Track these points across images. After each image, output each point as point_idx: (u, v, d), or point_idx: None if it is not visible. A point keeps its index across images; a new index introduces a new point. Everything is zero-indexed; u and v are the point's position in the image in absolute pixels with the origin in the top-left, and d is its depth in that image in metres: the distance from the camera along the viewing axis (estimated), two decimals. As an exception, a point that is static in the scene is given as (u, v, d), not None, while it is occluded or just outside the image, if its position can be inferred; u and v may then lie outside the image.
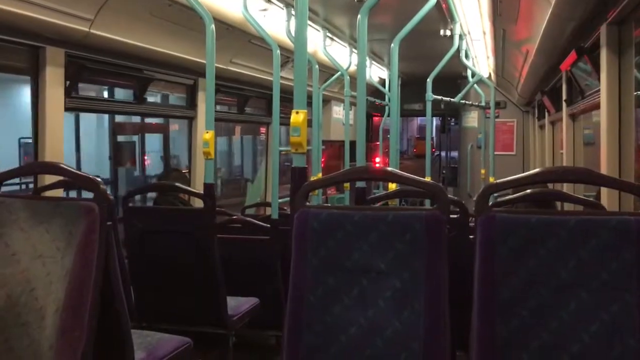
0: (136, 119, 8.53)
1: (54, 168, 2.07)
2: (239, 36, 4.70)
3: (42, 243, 1.82)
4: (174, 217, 3.35)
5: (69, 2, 3.18)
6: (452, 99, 7.40)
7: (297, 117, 2.22)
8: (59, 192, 3.09)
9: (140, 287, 3.14)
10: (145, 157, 9.38)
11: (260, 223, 3.88)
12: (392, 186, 3.62)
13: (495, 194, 1.84)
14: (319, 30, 5.75)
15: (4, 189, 2.04)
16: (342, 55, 6.47)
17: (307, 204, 1.84)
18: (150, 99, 4.78)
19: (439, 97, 6.60)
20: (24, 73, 3.50)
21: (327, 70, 6.51)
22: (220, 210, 4.61)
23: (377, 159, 10.29)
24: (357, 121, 2.95)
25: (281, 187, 4.41)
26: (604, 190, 3.23)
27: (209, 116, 3.55)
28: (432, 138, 13.53)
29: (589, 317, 1.53)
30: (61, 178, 2.64)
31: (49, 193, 2.88)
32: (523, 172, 1.75)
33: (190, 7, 3.51)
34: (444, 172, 12.15)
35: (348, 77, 6.11)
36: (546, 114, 6.78)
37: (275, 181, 4.33)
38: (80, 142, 8.58)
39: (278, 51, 4.11)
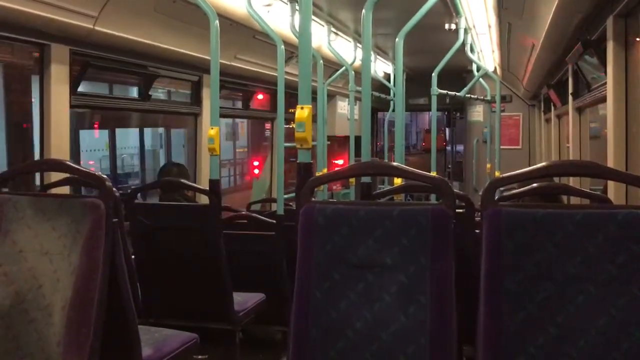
0: None
1: (60, 165, 2.08)
2: (243, 32, 4.69)
3: (48, 240, 1.83)
4: (180, 214, 3.35)
5: (73, -1, 3.19)
6: (457, 93, 7.38)
7: (302, 112, 2.21)
8: (65, 189, 3.10)
9: (147, 284, 3.15)
10: None
11: (265, 219, 3.88)
12: (398, 181, 3.61)
13: (501, 188, 1.83)
14: (323, 26, 5.74)
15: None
16: (347, 50, 6.46)
17: (313, 199, 1.84)
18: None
19: (444, 92, 6.57)
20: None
21: (332, 66, 6.49)
22: (226, 206, 4.62)
23: (340, 161, 8.32)
24: (362, 116, 2.94)
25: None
26: (610, 184, 3.22)
27: (214, 112, 3.55)
28: (442, 131, 13.37)
29: (596, 311, 1.53)
30: (67, 175, 2.64)
31: (55, 190, 2.89)
32: (529, 166, 1.74)
33: (194, 3, 3.51)
34: (449, 166, 12.13)
35: (353, 72, 6.09)
36: (552, 107, 6.76)
37: (280, 177, 4.33)
38: None
39: (282, 46, 4.10)
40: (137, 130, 9.62)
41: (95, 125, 8.84)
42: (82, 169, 1.95)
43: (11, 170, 2.06)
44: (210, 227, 3.14)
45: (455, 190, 1.97)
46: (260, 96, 6.52)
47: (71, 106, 3.58)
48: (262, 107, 6.71)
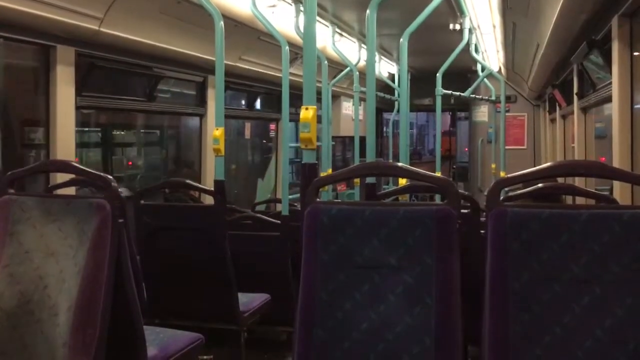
0: None
1: (66, 166, 2.09)
2: (248, 33, 4.70)
3: (54, 241, 1.84)
4: (186, 214, 3.36)
5: (79, 0, 3.20)
6: (462, 94, 7.37)
7: (307, 113, 2.22)
8: (71, 190, 3.11)
9: (153, 284, 3.15)
10: None
11: (270, 219, 3.88)
12: (402, 182, 3.61)
13: (506, 189, 1.83)
14: (327, 26, 5.74)
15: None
16: (351, 50, 6.46)
17: (317, 200, 1.84)
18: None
19: (449, 92, 6.56)
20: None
21: (337, 66, 6.49)
22: (231, 207, 4.63)
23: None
24: (367, 117, 2.94)
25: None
26: (616, 184, 3.21)
27: (219, 113, 3.56)
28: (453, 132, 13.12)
29: (603, 312, 1.52)
30: (73, 176, 2.66)
31: (61, 191, 2.90)
32: (534, 167, 1.74)
33: (199, 5, 3.52)
34: (454, 166, 12.11)
35: (357, 73, 6.09)
36: (557, 107, 6.74)
37: (285, 177, 4.33)
38: None
39: (287, 47, 4.10)
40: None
41: None
42: (88, 170, 1.96)
43: (18, 172, 2.07)
44: (215, 228, 3.15)
45: (460, 190, 1.97)
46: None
47: (77, 107, 3.59)
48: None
